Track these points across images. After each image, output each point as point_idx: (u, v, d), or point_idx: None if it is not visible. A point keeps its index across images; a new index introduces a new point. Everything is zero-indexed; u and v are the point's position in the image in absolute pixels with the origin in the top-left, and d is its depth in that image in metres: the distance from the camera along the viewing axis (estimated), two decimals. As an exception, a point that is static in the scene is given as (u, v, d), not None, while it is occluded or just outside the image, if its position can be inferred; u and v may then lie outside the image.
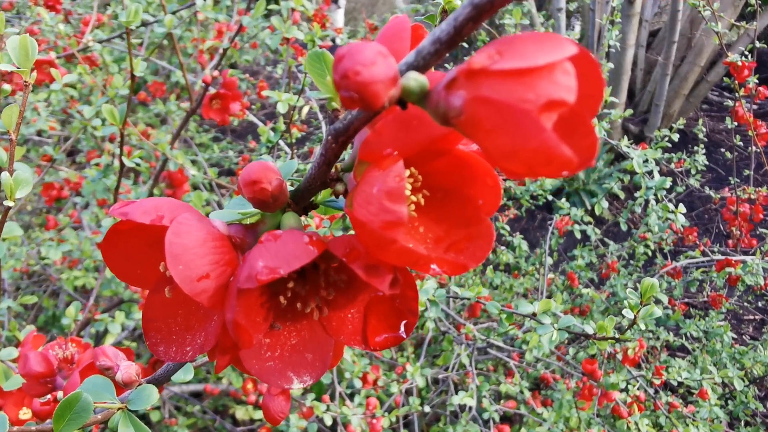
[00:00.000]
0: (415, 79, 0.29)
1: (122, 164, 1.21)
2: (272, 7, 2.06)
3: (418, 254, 0.33)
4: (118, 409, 0.59)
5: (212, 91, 2.02)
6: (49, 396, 0.93)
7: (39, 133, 2.96)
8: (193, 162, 2.98)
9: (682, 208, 1.72)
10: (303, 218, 0.41)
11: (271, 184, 0.37)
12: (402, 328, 0.38)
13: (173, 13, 1.99)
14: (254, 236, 0.39)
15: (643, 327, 0.92)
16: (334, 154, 0.36)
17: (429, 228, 0.38)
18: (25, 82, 0.62)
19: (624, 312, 0.94)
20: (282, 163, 0.42)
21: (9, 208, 0.66)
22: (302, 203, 0.41)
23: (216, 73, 2.00)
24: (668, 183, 1.63)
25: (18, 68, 0.60)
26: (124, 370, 0.61)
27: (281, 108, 1.74)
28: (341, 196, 0.39)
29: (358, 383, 2.31)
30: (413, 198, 0.38)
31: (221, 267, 0.35)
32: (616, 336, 1.02)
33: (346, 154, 0.39)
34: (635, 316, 0.93)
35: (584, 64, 0.26)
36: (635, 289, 3.13)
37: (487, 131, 0.25)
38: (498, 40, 0.26)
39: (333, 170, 0.37)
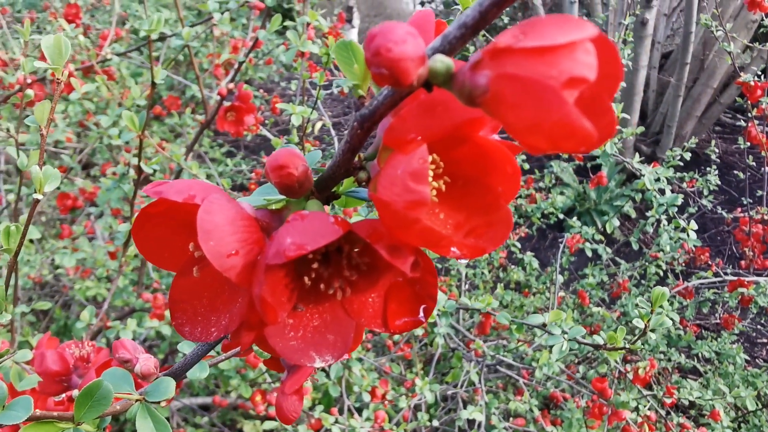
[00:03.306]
0: (441, 61, 0.30)
1: (140, 170, 1.23)
2: (287, 23, 2.10)
3: (440, 234, 0.34)
4: (136, 400, 0.60)
5: (227, 103, 2.06)
6: (63, 395, 0.94)
7: (56, 143, 3.01)
8: (208, 176, 3.02)
9: (693, 225, 1.72)
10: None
11: (298, 169, 0.38)
12: (421, 313, 0.39)
13: (192, 25, 2.03)
14: (279, 221, 0.41)
15: (654, 337, 0.92)
16: (359, 140, 0.37)
17: (449, 214, 0.39)
18: (58, 79, 0.64)
19: (635, 321, 0.94)
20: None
21: (38, 200, 0.68)
22: (325, 192, 0.42)
23: (231, 85, 2.03)
24: (680, 200, 1.63)
25: (51, 65, 0.62)
26: (143, 363, 0.62)
27: (295, 120, 1.77)
28: (363, 187, 0.40)
29: (366, 397, 2.30)
30: (434, 184, 0.39)
31: (249, 245, 0.36)
32: (627, 346, 1.02)
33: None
34: (646, 325, 0.93)
35: (603, 46, 0.27)
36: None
37: (511, 106, 0.26)
38: (522, 22, 0.27)
39: (356, 159, 0.38)
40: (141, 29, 1.16)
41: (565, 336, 1.08)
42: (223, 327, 0.38)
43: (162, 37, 2.23)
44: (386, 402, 2.35)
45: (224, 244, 0.34)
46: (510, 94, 0.26)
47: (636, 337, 0.93)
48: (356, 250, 0.41)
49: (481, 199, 0.39)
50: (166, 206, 0.38)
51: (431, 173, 0.38)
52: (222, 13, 1.77)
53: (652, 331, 0.91)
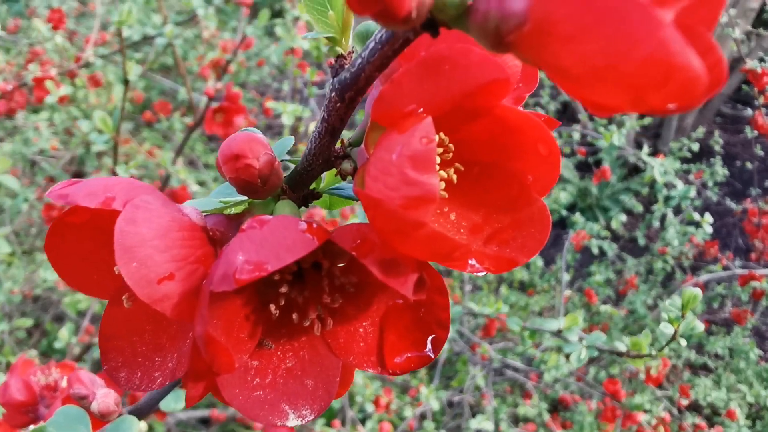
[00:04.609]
0: (453, -18, 0.21)
1: (115, 175, 1.14)
2: (276, 21, 2.01)
3: (453, 242, 0.24)
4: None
5: (216, 104, 1.96)
6: (31, 427, 0.85)
7: (41, 152, 2.92)
8: (201, 183, 2.93)
9: (708, 217, 1.62)
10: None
11: (259, 160, 0.29)
12: (428, 346, 0.30)
13: (176, 24, 1.94)
14: (238, 230, 0.30)
15: (684, 344, 0.83)
16: (339, 117, 0.27)
17: (463, 214, 0.30)
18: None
19: (662, 326, 0.85)
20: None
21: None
22: (301, 190, 0.32)
23: (220, 85, 1.94)
24: (693, 191, 1.54)
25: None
26: (101, 399, 0.53)
27: (286, 120, 1.68)
28: (350, 179, 0.31)
29: (370, 407, 2.22)
30: (443, 174, 0.30)
31: (191, 265, 0.26)
32: (653, 353, 0.93)
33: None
34: (675, 331, 0.84)
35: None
36: (655, 306, 3.03)
37: (567, 39, 0.17)
38: None
39: (339, 145, 0.29)
40: (116, 24, 1.07)
41: (584, 343, 0.99)
42: (169, 371, 0.29)
43: (147, 36, 2.15)
44: (390, 411, 2.26)
45: (153, 264, 0.25)
46: (566, 20, 0.17)
47: (664, 344, 0.84)
48: (340, 265, 0.32)
49: (504, 192, 0.29)
50: (86, 214, 0.29)
51: (438, 158, 0.29)
52: (206, 9, 1.68)
53: (682, 337, 0.82)
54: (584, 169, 4.61)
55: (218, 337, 0.26)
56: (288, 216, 0.29)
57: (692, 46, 0.17)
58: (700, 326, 0.83)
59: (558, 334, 1.05)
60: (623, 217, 2.38)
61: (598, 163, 4.31)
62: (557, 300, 2.74)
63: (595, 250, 2.71)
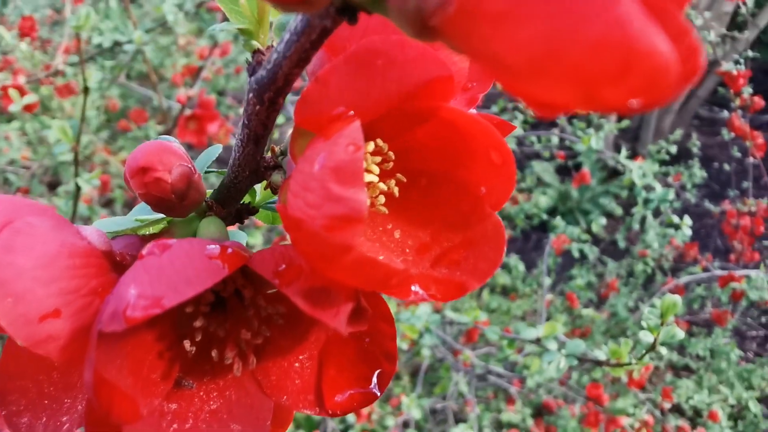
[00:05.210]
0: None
1: (77, 187, 1.10)
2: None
3: (389, 269, 0.21)
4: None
5: (189, 111, 1.92)
6: None
7: (11, 162, 2.85)
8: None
9: (687, 219, 1.62)
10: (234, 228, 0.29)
11: (172, 172, 0.25)
12: (374, 381, 0.26)
13: (146, 31, 1.89)
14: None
15: (664, 352, 0.80)
16: (260, 122, 0.24)
17: (409, 231, 0.26)
18: None
19: (642, 334, 0.83)
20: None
21: None
22: (231, 205, 0.29)
23: (192, 92, 1.90)
24: (671, 194, 1.53)
25: None
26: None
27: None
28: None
29: (351, 417, 2.18)
30: (382, 186, 0.26)
31: (83, 298, 0.22)
32: (633, 362, 0.91)
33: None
34: (655, 339, 0.81)
35: None
36: (637, 308, 3.03)
37: (498, 21, 0.14)
38: None
39: (269, 154, 0.26)
40: (73, 29, 1.03)
41: (562, 352, 0.96)
42: (78, 414, 0.25)
43: (118, 43, 2.10)
44: (372, 422, 2.22)
45: (32, 300, 0.21)
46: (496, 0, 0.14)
47: (644, 353, 0.81)
48: (267, 293, 0.28)
49: (455, 206, 0.26)
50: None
51: (375, 168, 0.25)
52: (175, 15, 1.64)
53: (662, 345, 0.80)
54: (564, 173, 4.63)
55: (121, 380, 0.22)
56: (195, 239, 0.25)
57: (665, 23, 0.14)
58: (680, 333, 0.81)
59: (537, 341, 1.03)
60: (603, 220, 2.37)
61: (578, 166, 4.33)
62: (539, 304, 2.72)
63: (576, 254, 2.71)
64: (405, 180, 0.27)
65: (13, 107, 1.45)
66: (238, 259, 0.23)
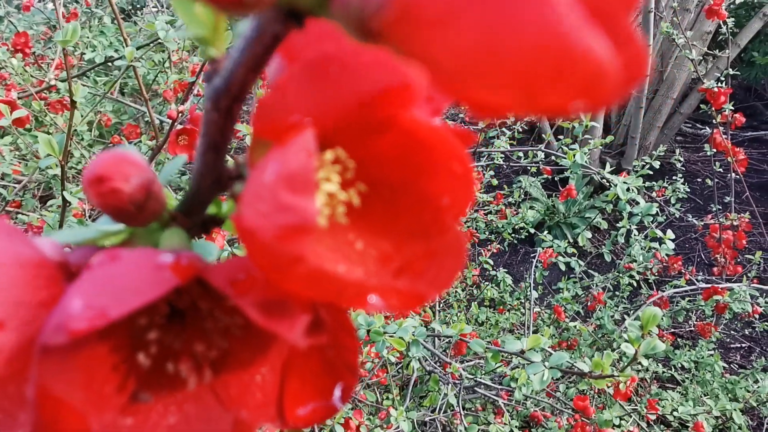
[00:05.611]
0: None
1: (64, 200, 1.11)
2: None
3: (344, 280, 0.22)
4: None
5: (180, 127, 1.94)
6: None
7: (2, 176, 2.85)
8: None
9: (670, 234, 1.66)
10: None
11: (129, 183, 0.25)
12: (337, 393, 0.26)
13: (138, 48, 1.92)
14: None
15: (645, 363, 0.84)
16: (218, 130, 0.24)
17: (371, 242, 0.26)
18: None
19: (624, 346, 0.86)
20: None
21: None
22: (196, 215, 0.29)
23: (183, 107, 1.93)
24: (655, 209, 1.58)
25: None
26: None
27: (250, 140, 1.67)
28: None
29: (340, 429, 2.19)
30: (342, 196, 0.26)
31: (31, 310, 0.22)
32: (615, 374, 0.94)
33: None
34: (636, 351, 0.85)
35: None
36: (622, 320, 3.07)
37: (436, 25, 0.15)
38: None
39: (234, 164, 0.27)
40: (60, 43, 1.05)
41: (546, 364, 0.99)
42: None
43: (109, 60, 2.12)
44: (361, 434, 2.23)
45: (-26, 312, 0.21)
46: (431, 2, 0.14)
47: (626, 364, 0.85)
48: (224, 304, 0.28)
49: (416, 217, 0.26)
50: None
51: (336, 178, 0.26)
52: (167, 32, 1.67)
53: (645, 356, 0.83)
54: (552, 188, 4.69)
55: (70, 394, 0.22)
56: (148, 249, 0.26)
57: (609, 28, 0.15)
58: (661, 345, 0.84)
59: (521, 354, 1.06)
60: (588, 234, 2.42)
61: (564, 181, 4.39)
62: (527, 317, 2.75)
63: (563, 267, 2.75)
64: (366, 190, 0.27)
65: (3, 122, 1.47)
66: (192, 270, 0.23)
